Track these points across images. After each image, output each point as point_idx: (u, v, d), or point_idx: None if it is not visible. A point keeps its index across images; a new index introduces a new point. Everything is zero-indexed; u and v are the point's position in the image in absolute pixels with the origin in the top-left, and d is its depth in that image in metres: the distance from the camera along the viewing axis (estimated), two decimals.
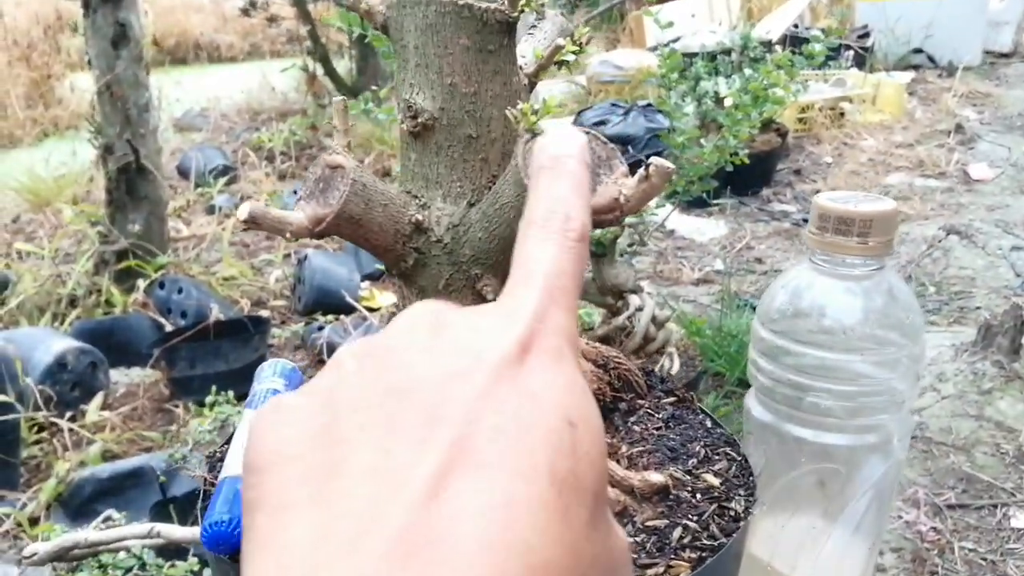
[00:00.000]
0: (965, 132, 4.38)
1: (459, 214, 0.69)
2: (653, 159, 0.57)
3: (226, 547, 0.64)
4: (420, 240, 0.68)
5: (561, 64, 0.78)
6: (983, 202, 3.63)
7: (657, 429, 0.77)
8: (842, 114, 4.51)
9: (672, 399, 0.80)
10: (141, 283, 2.62)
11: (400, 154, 0.73)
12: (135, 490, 1.82)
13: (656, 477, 0.67)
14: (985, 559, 1.69)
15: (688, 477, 0.69)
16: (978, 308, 2.72)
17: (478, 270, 0.69)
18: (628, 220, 2.01)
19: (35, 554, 1.10)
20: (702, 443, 0.73)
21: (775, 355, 0.59)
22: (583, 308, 2.50)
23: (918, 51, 5.80)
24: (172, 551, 1.29)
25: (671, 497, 0.67)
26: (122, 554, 1.24)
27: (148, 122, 2.68)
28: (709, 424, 0.76)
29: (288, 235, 0.63)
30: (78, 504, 1.83)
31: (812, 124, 4.45)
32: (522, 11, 0.65)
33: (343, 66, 5.12)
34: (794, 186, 3.92)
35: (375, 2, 0.70)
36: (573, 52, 0.72)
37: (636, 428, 0.78)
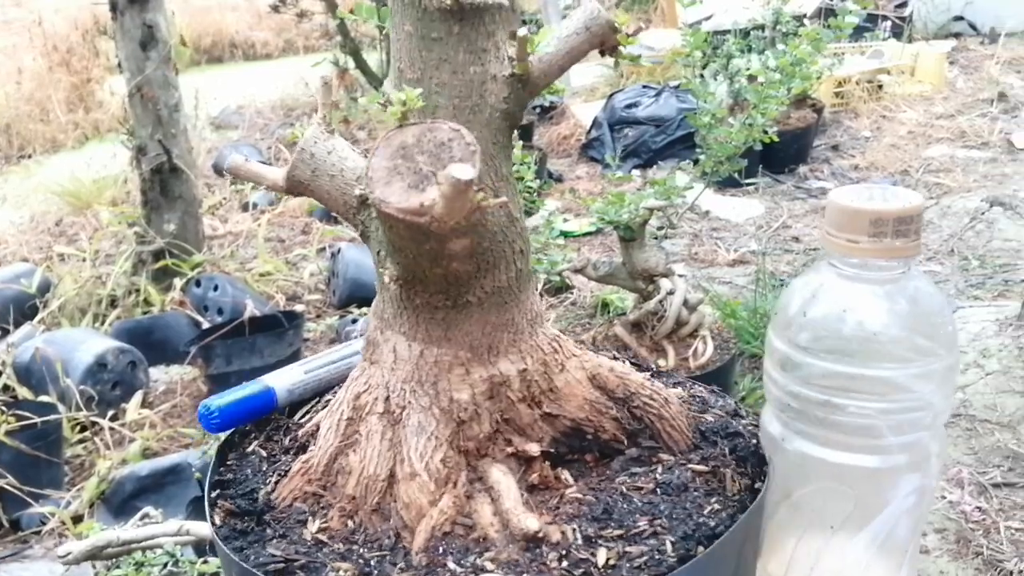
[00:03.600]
0: (1009, 100, 4.26)
1: None
2: (448, 169, 0.54)
3: (205, 423, 0.83)
4: (364, 214, 0.69)
5: (609, 55, 0.76)
6: None
7: (644, 492, 0.71)
8: (880, 86, 4.41)
9: (702, 467, 0.73)
10: (178, 282, 2.65)
11: None
12: (174, 486, 1.84)
13: (530, 524, 0.65)
14: None
15: (582, 553, 0.65)
16: (1023, 281, 2.64)
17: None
18: (656, 203, 1.99)
19: (69, 553, 1.12)
20: (668, 525, 0.66)
21: (790, 367, 0.55)
22: (615, 293, 2.48)
23: (959, 18, 5.65)
24: (205, 547, 1.31)
25: (538, 550, 0.65)
26: (158, 551, 1.26)
27: (179, 122, 2.71)
28: (711, 509, 0.68)
29: (266, 187, 0.72)
30: (120, 501, 1.86)
31: (849, 98, 4.36)
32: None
33: (374, 59, 5.13)
34: (831, 162, 3.84)
35: None
36: (618, 45, 0.70)
37: (622, 480, 0.73)
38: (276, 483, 0.75)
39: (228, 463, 0.82)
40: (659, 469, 0.73)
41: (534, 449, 0.72)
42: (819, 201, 3.46)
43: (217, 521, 0.73)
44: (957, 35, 5.60)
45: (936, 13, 5.63)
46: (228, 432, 0.85)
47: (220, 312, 2.56)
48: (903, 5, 5.48)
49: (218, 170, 4.11)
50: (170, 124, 2.67)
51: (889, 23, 5.09)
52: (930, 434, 0.53)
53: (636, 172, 3.93)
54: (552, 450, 0.75)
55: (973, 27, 5.65)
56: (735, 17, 4.70)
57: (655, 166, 3.94)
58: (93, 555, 1.17)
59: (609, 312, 2.47)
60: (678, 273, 2.68)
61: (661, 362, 2.06)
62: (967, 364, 2.17)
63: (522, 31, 0.66)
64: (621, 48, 0.69)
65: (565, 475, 0.74)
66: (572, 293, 2.66)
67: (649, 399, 0.76)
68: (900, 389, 0.53)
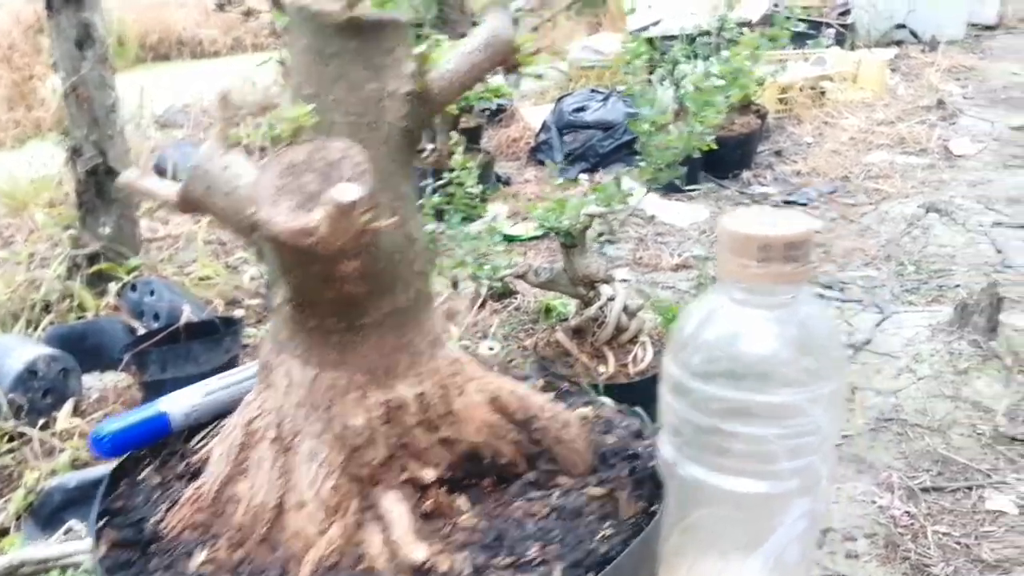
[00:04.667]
0: (947, 107, 4.36)
1: None
2: (331, 190, 0.54)
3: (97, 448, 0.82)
4: (258, 233, 0.67)
5: (511, 73, 0.75)
6: (965, 178, 3.61)
7: (538, 517, 0.71)
8: (823, 93, 4.48)
9: (598, 490, 0.73)
10: (113, 286, 2.59)
11: None
12: None
13: (417, 554, 0.65)
14: (959, 543, 1.69)
15: None
16: (957, 286, 2.70)
17: None
18: (596, 209, 2.00)
19: None
20: (559, 552, 0.65)
21: (683, 392, 0.55)
22: (559, 299, 2.49)
23: (901, 26, 5.76)
24: None
25: None
26: (78, 568, 1.23)
27: (115, 123, 2.65)
28: (604, 535, 0.68)
29: (159, 204, 0.70)
30: (48, 514, 1.81)
31: (793, 104, 4.42)
32: (356, 16, 0.62)
33: None
34: (774, 167, 3.89)
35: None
36: (518, 65, 0.69)
37: (519, 505, 0.72)
38: (167, 512, 0.73)
39: (119, 490, 0.79)
40: (556, 493, 0.72)
41: (429, 475, 0.71)
42: (762, 206, 3.50)
43: (102, 551, 0.71)
44: (899, 43, 5.72)
45: (879, 21, 5.74)
46: (121, 458, 0.83)
47: (156, 317, 2.51)
48: (846, 13, 5.57)
49: (160, 170, 4.04)
50: (106, 125, 2.61)
51: (832, 31, 5.17)
52: (820, 458, 0.53)
53: (584, 176, 3.94)
54: (449, 475, 0.73)
55: (914, 35, 5.77)
56: (682, 23, 4.74)
57: (602, 170, 3.96)
58: (10, 574, 1.14)
59: (552, 317, 2.47)
60: (621, 278, 2.69)
61: (601, 368, 2.07)
62: (899, 369, 2.21)
63: (420, 48, 0.65)
64: (522, 67, 0.69)
65: (461, 501, 0.73)
66: (516, 299, 2.66)
67: (548, 422, 0.75)
68: (791, 414, 0.53)
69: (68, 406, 2.14)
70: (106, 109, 2.61)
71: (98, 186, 2.62)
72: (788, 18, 2.14)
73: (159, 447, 0.84)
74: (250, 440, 0.71)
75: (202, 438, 0.83)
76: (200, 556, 0.69)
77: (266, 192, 0.58)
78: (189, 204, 0.68)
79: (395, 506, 0.68)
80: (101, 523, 0.74)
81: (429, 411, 0.72)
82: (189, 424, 0.84)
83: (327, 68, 0.65)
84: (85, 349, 2.40)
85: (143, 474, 0.81)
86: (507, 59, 0.68)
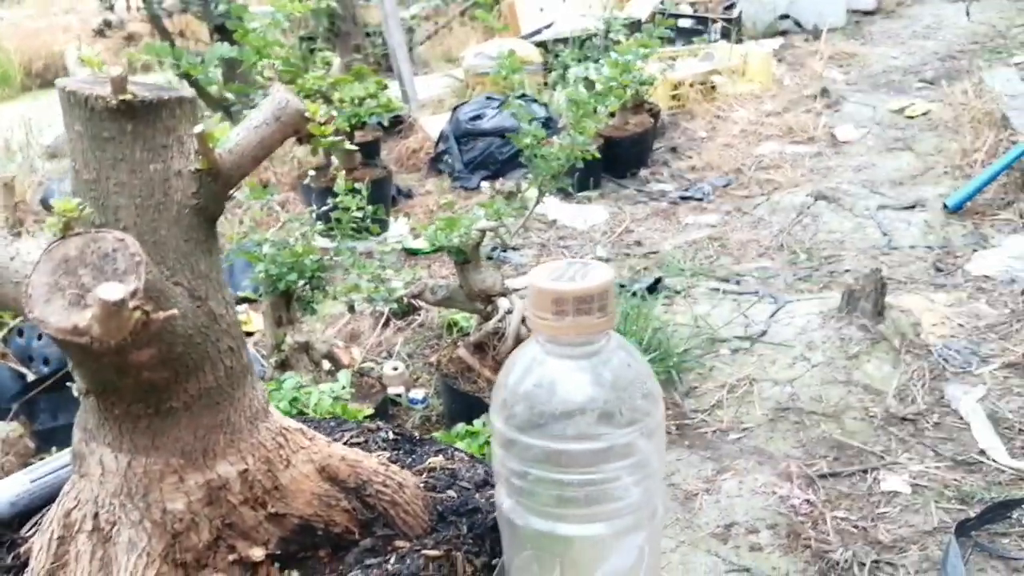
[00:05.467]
0: (831, 95, 4.50)
1: None
2: (96, 290, 0.53)
3: None
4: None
5: (306, 143, 0.74)
6: (850, 163, 3.73)
7: None
8: (713, 87, 4.58)
9: (435, 551, 0.72)
10: None
11: None
12: None
13: None
14: (857, 526, 1.74)
15: None
16: (847, 271, 2.79)
17: None
18: (486, 224, 2.00)
19: None
20: None
21: (509, 445, 0.56)
22: (458, 315, 2.48)
23: (784, 17, 5.93)
24: None
25: None
26: None
27: None
28: None
29: None
30: None
31: (685, 100, 4.51)
32: (128, 99, 0.61)
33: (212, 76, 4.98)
34: (670, 164, 3.96)
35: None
36: (312, 135, 0.68)
37: (355, 574, 0.71)
38: None
39: None
40: (392, 559, 0.71)
41: (258, 554, 0.70)
42: (659, 204, 3.56)
43: None
44: (784, 33, 5.87)
45: (763, 12, 5.89)
46: None
47: (46, 362, 2.42)
48: (731, 7, 5.70)
49: (46, 205, 3.90)
50: None
51: (719, 25, 5.29)
52: (651, 492, 0.55)
53: (485, 184, 3.95)
54: (280, 551, 0.72)
55: (798, 24, 5.93)
56: (572, 25, 4.79)
57: (503, 178, 3.97)
58: None
59: (456, 332, 2.47)
60: (520, 287, 2.71)
61: None
62: (794, 358, 2.28)
63: (198, 127, 0.63)
64: (318, 137, 0.68)
65: None
66: (419, 315, 2.64)
67: (382, 486, 0.75)
68: (616, 455, 0.54)
69: None
70: None
71: None
72: (670, 16, 2.18)
73: None
74: (68, 532, 0.69)
75: (32, 527, 0.80)
76: None
77: (39, 291, 0.56)
78: None
79: None
80: None
81: (254, 487, 0.70)
82: (18, 512, 0.80)
83: (104, 152, 0.63)
84: None
85: None
86: (299, 129, 0.67)
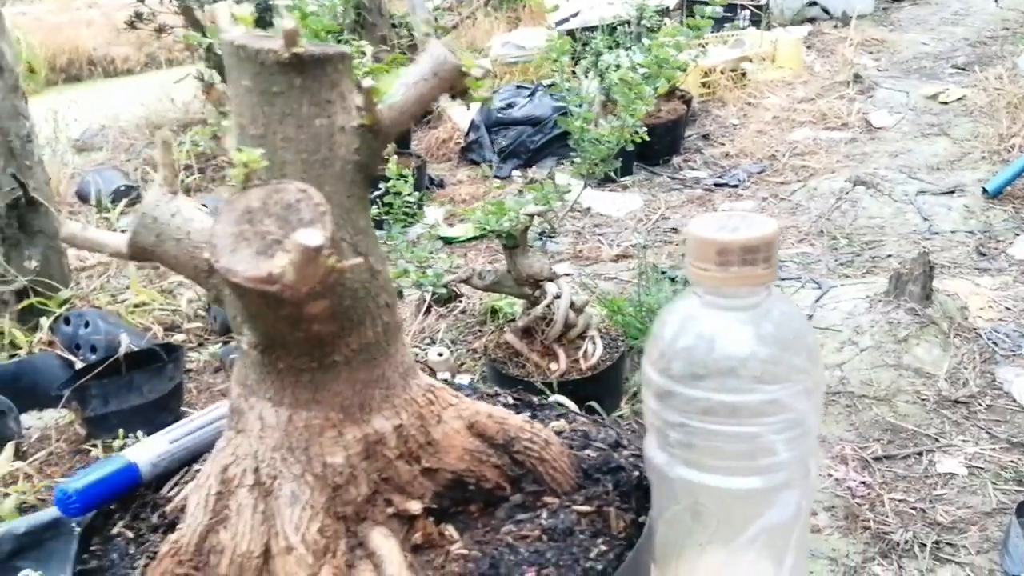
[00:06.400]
0: (863, 81, 4.47)
1: None
2: (295, 235, 0.53)
3: (63, 509, 0.78)
4: (216, 278, 0.66)
5: (460, 98, 0.74)
6: (886, 149, 3.71)
7: (530, 540, 0.70)
8: (744, 74, 4.56)
9: (586, 507, 0.72)
10: (45, 321, 2.51)
11: None
12: (55, 542, 1.74)
13: None
14: (915, 508, 1.73)
15: None
16: (889, 256, 2.77)
17: None
18: (535, 209, 2.00)
19: None
20: (557, 574, 0.65)
21: (666, 396, 0.55)
22: (504, 299, 2.49)
23: (812, 3, 5.89)
24: None
25: None
26: None
27: (33, 152, 2.57)
28: (598, 552, 0.67)
29: (109, 255, 0.69)
30: None
31: (715, 87, 4.49)
32: (299, 52, 0.61)
33: None
34: (703, 151, 3.95)
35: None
36: (468, 89, 0.68)
37: (508, 529, 0.71)
38: (145, 567, 0.71)
39: (92, 549, 0.76)
40: (544, 514, 0.71)
41: (415, 507, 0.70)
42: (694, 191, 3.55)
43: None
44: (812, 20, 5.84)
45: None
46: (91, 515, 0.79)
47: (93, 350, 2.44)
48: None
49: (82, 197, 3.93)
50: (23, 156, 2.52)
51: (748, 12, 5.26)
52: (805, 450, 0.54)
53: (517, 173, 3.95)
54: (435, 505, 0.72)
55: (826, 11, 5.89)
56: (601, 13, 4.78)
57: (535, 166, 3.97)
58: None
59: (499, 319, 2.47)
60: (563, 273, 2.70)
61: (553, 365, 2.07)
62: (842, 342, 2.26)
63: (367, 81, 0.64)
64: (472, 92, 0.68)
65: (450, 530, 0.72)
66: (461, 302, 2.65)
67: (529, 442, 0.74)
68: (774, 410, 0.54)
69: (9, 450, 2.06)
70: (22, 139, 2.52)
71: (20, 219, 2.54)
72: (706, 4, 2.17)
73: (129, 500, 0.81)
74: (227, 488, 0.69)
75: (173, 485, 0.81)
76: None
77: (223, 240, 0.57)
78: (140, 253, 0.67)
79: (384, 542, 0.67)
80: None
81: (409, 442, 0.71)
82: (157, 473, 0.81)
83: (273, 107, 0.63)
84: (20, 389, 2.32)
85: (115, 529, 0.77)
86: (455, 85, 0.67)
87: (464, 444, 0.72)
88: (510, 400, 0.88)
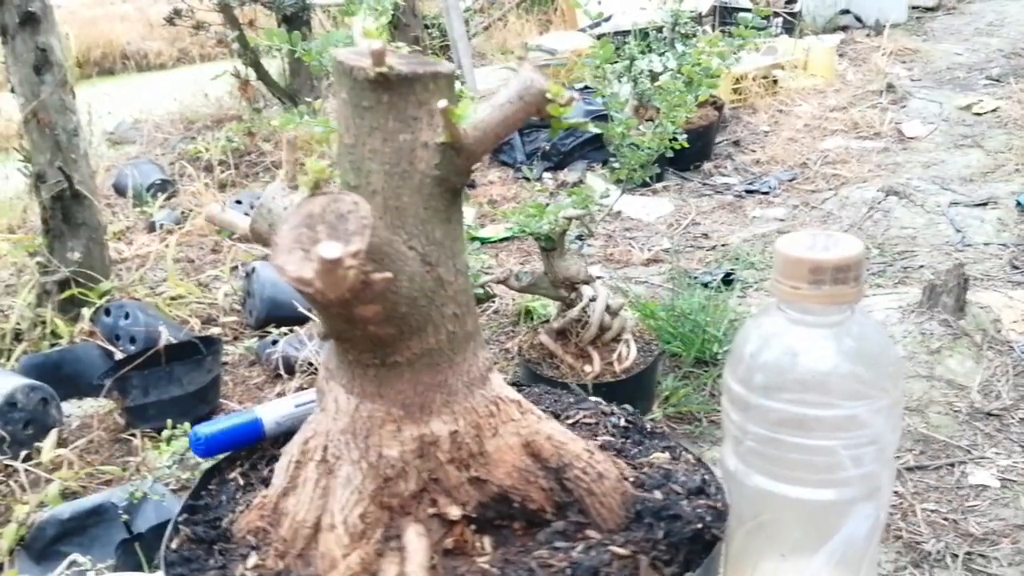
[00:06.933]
0: (896, 91, 4.46)
1: None
2: (318, 246, 0.57)
3: (193, 448, 0.87)
4: None
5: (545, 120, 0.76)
6: (919, 159, 3.70)
7: (553, 570, 0.70)
8: (775, 81, 4.56)
9: (622, 550, 0.71)
10: (86, 312, 2.56)
11: None
12: (98, 528, 1.78)
13: None
14: (947, 519, 1.74)
15: None
16: (921, 267, 2.78)
17: None
18: (574, 212, 2.02)
19: None
20: None
21: (746, 407, 0.57)
22: (537, 301, 2.51)
23: (845, 12, 5.87)
24: None
25: None
26: None
27: (78, 146, 2.62)
28: None
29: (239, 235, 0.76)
30: (41, 547, 1.79)
31: (747, 94, 4.49)
32: (384, 71, 0.64)
33: (275, 66, 5.04)
34: (734, 157, 3.95)
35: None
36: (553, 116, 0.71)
37: (540, 553, 0.72)
38: (240, 512, 0.77)
39: (209, 488, 0.85)
40: (580, 547, 0.72)
41: (454, 512, 0.72)
42: (724, 197, 3.56)
43: (173, 546, 0.75)
44: (844, 28, 5.82)
45: (823, 7, 5.84)
46: (218, 458, 0.89)
47: (133, 341, 2.49)
48: (793, 1, 5.66)
49: (119, 190, 3.99)
50: (69, 149, 2.57)
51: (780, 19, 5.26)
52: (881, 465, 0.56)
53: (547, 175, 3.97)
54: (477, 515, 0.74)
55: (859, 20, 5.88)
56: (634, 18, 4.78)
57: (566, 168, 3.99)
58: None
59: (532, 320, 2.49)
60: (596, 276, 2.72)
61: (588, 368, 2.09)
62: None
63: (442, 103, 0.66)
64: (558, 117, 0.71)
65: (484, 542, 0.74)
66: (494, 302, 2.67)
67: (582, 472, 0.75)
68: (852, 425, 0.56)
69: (52, 436, 2.11)
70: (68, 133, 2.57)
71: (64, 211, 2.59)
72: (743, 11, 2.18)
73: (252, 451, 0.90)
74: (304, 458, 0.74)
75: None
76: (252, 560, 0.73)
77: (285, 240, 0.61)
78: (257, 237, 0.72)
79: (416, 539, 0.70)
80: (182, 517, 0.80)
81: (461, 449, 0.73)
82: (281, 432, 0.89)
83: (363, 120, 0.67)
84: (62, 377, 2.38)
85: (232, 474, 0.86)
86: (540, 110, 0.70)
87: (515, 461, 0.74)
88: (622, 421, 0.90)
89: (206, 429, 0.87)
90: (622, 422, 0.90)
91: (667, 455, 0.83)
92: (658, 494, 0.78)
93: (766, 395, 0.57)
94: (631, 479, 0.79)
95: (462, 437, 0.73)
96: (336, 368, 0.73)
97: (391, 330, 0.68)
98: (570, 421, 0.91)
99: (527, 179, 3.93)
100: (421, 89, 0.67)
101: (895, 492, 1.81)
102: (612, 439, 0.87)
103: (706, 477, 0.78)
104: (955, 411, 2.04)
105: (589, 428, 0.90)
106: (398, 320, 0.68)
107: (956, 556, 1.63)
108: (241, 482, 0.84)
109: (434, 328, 0.71)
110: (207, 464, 0.89)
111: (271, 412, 0.88)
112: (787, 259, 0.56)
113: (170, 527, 0.78)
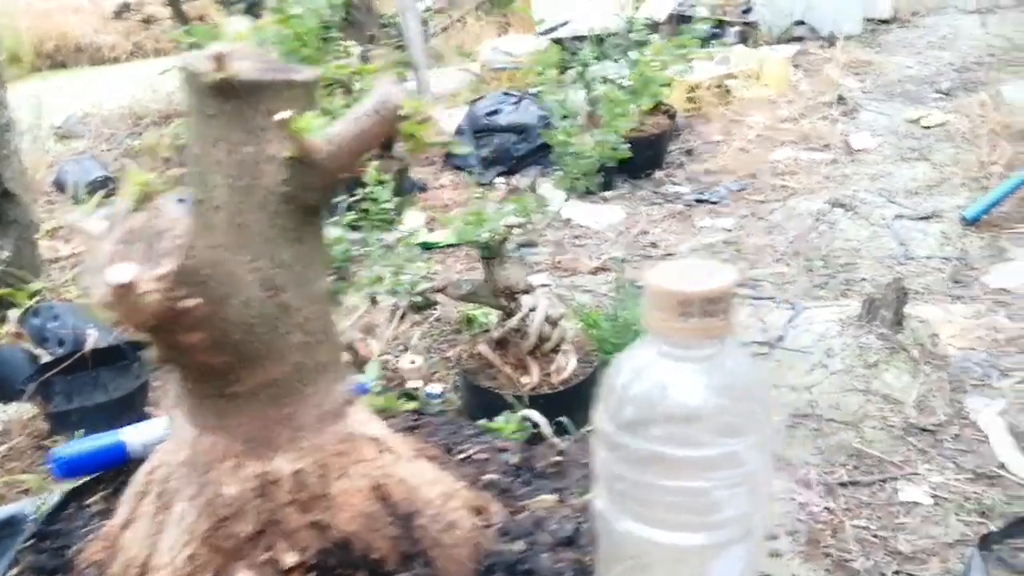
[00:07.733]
0: (847, 102, 4.49)
1: None
2: (107, 271, 0.53)
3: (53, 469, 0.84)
4: None
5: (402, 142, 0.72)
6: (866, 172, 3.73)
7: None
8: (729, 91, 4.57)
9: None
10: (13, 313, 2.48)
11: None
12: (10, 540, 1.71)
13: None
14: (877, 536, 1.74)
15: None
16: (863, 280, 2.79)
17: None
18: (515, 220, 1.99)
19: None
20: None
21: (614, 447, 0.54)
22: (479, 308, 2.48)
23: (800, 23, 5.91)
24: None
25: None
26: None
27: (10, 143, 2.54)
28: None
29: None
30: None
31: (700, 103, 4.50)
32: (226, 77, 0.60)
33: None
34: (686, 166, 3.96)
35: None
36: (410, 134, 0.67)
37: None
38: (90, 541, 0.72)
39: (67, 511, 0.81)
40: None
41: (290, 559, 0.67)
42: (675, 206, 3.56)
43: (12, 574, 0.72)
44: (799, 39, 5.86)
45: (779, 17, 5.87)
46: (80, 480, 0.86)
47: (61, 344, 2.41)
48: (748, 11, 5.69)
49: (60, 187, 3.89)
50: (0, 146, 2.49)
51: (736, 29, 5.28)
52: (755, 505, 0.54)
53: (500, 180, 3.94)
54: (317, 561, 0.69)
55: (814, 31, 5.92)
56: (591, 24, 4.77)
57: (518, 173, 3.96)
58: None
59: (474, 328, 2.46)
60: (540, 283, 2.70)
61: (525, 379, 2.07)
62: (813, 365, 2.27)
63: (284, 114, 0.62)
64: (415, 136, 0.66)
65: None
66: (436, 309, 2.64)
67: (432, 520, 0.71)
68: (725, 464, 0.54)
69: None
70: (0, 129, 2.49)
71: None
72: (696, 20, 2.17)
73: (118, 474, 0.85)
74: (146, 489, 0.70)
75: None
76: None
77: (103, 258, 0.56)
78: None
79: None
80: (28, 543, 0.76)
81: (304, 490, 0.68)
82: (148, 455, 0.83)
83: (208, 129, 0.63)
84: None
85: (93, 499, 0.82)
86: (396, 126, 0.65)
87: (361, 505, 0.69)
88: (512, 461, 0.85)
89: (67, 450, 0.84)
90: (515, 460, 0.86)
91: (554, 497, 0.79)
92: (520, 544, 0.74)
93: (634, 433, 0.55)
94: (498, 525, 0.75)
95: (306, 477, 0.68)
96: (179, 396, 0.68)
97: (225, 358, 0.64)
98: (460, 456, 0.87)
99: (481, 184, 3.90)
100: (271, 98, 0.63)
101: (826, 508, 1.80)
102: (500, 477, 0.83)
103: (582, 526, 0.74)
104: (889, 426, 2.04)
105: (477, 465, 0.85)
106: (231, 349, 0.63)
107: (884, 575, 1.63)
108: (101, 507, 0.80)
109: (278, 358, 0.66)
110: (70, 486, 0.85)
111: (138, 435, 0.83)
112: (656, 290, 0.53)
113: (10, 555, 0.73)
